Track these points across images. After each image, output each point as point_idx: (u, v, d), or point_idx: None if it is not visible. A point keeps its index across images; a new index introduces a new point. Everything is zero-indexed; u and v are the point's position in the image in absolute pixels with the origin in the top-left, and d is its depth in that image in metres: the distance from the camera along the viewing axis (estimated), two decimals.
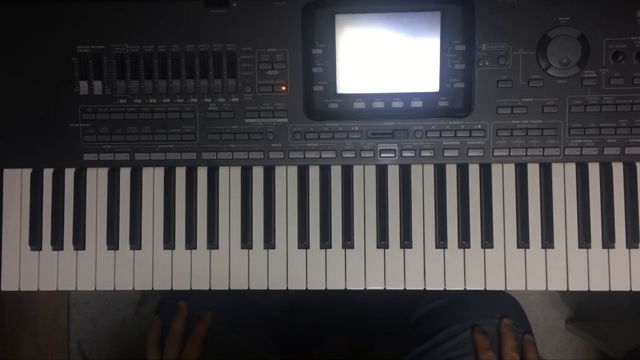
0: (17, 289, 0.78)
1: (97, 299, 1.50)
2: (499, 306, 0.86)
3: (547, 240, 0.75)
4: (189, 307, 0.88)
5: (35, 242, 0.78)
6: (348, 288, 0.76)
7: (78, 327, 1.51)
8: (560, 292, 1.47)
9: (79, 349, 1.51)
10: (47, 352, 1.42)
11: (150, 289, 0.77)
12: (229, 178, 0.77)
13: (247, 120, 0.76)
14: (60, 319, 1.46)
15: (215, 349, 0.87)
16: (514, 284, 0.75)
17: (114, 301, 1.51)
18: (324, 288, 0.76)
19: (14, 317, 1.33)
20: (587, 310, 1.47)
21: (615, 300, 1.46)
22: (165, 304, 0.91)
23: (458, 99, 0.75)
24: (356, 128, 0.76)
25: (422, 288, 0.76)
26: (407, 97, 0.75)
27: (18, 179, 0.78)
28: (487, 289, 0.75)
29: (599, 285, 0.75)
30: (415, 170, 0.76)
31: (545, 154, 0.74)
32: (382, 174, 0.76)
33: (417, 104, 0.75)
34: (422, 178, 0.76)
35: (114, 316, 1.51)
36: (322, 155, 0.76)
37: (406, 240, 0.76)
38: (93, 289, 0.77)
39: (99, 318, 1.51)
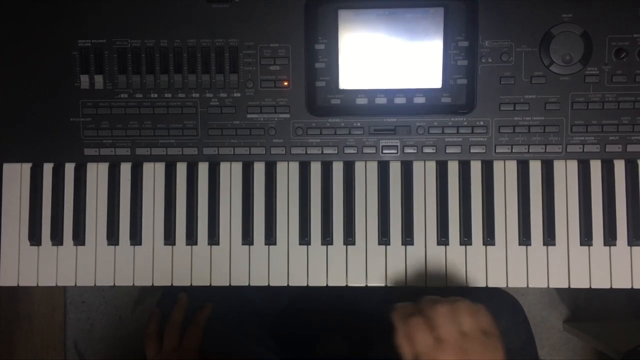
0: (16, 284, 0.77)
1: (93, 297, 1.49)
2: (499, 305, 0.85)
3: (549, 238, 0.75)
4: (189, 299, 0.88)
5: (34, 237, 0.77)
6: (349, 284, 0.76)
7: (74, 325, 1.50)
8: (559, 292, 1.47)
9: (75, 348, 1.50)
10: (43, 350, 1.41)
11: (150, 284, 0.77)
12: (230, 174, 0.77)
13: (248, 116, 0.76)
14: (56, 317, 1.45)
15: (214, 345, 0.87)
16: (516, 281, 0.75)
17: (111, 299, 1.50)
18: (324, 284, 0.76)
19: (10, 314, 1.32)
20: (585, 310, 1.47)
21: (613, 300, 1.46)
22: (167, 297, 0.91)
23: (461, 95, 0.75)
24: (358, 124, 0.75)
25: (423, 285, 0.75)
26: (409, 93, 0.75)
27: (18, 174, 0.78)
28: (489, 286, 0.75)
29: (600, 282, 0.75)
30: (417, 166, 0.76)
31: (547, 150, 0.74)
32: (384, 170, 0.76)
33: (419, 100, 0.75)
34: (424, 175, 0.76)
35: (110, 314, 1.50)
36: (324, 151, 0.76)
37: (408, 237, 0.75)
38: (93, 284, 0.77)
39: (96, 316, 1.50)
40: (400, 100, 0.75)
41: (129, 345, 1.50)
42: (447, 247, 0.76)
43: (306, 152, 0.76)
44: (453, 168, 0.76)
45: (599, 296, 1.45)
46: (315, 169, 0.77)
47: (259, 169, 0.77)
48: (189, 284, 0.77)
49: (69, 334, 1.49)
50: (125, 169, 0.77)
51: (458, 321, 0.62)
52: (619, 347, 1.23)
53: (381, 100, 0.75)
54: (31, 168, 0.78)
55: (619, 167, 0.75)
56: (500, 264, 0.75)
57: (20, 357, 1.34)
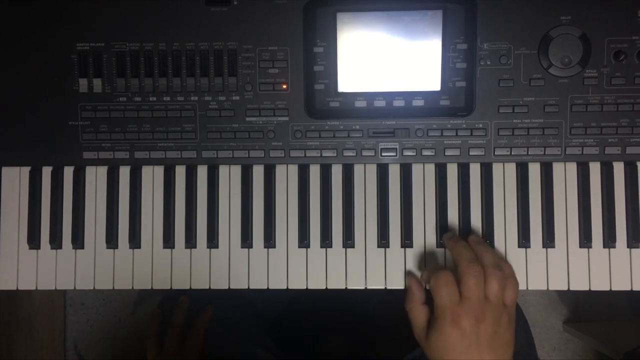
0: (15, 288, 0.77)
1: (93, 299, 1.50)
2: None
3: (548, 240, 0.75)
4: (190, 301, 0.88)
5: (33, 241, 0.77)
6: (348, 287, 0.76)
7: (74, 327, 1.50)
8: (559, 293, 1.47)
9: (75, 350, 1.50)
10: (43, 352, 1.41)
11: (149, 288, 0.77)
12: (229, 177, 0.77)
13: (247, 119, 0.76)
14: (56, 319, 1.45)
15: (214, 347, 0.87)
16: None
17: (110, 301, 1.50)
18: (324, 287, 0.76)
19: (10, 317, 1.32)
20: (585, 311, 1.47)
21: (613, 301, 1.47)
22: (168, 299, 0.91)
23: (459, 98, 0.75)
24: (357, 127, 0.75)
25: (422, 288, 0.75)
26: (408, 95, 0.75)
27: (17, 177, 0.78)
28: None
29: (600, 285, 0.75)
30: (416, 169, 0.76)
31: (546, 153, 0.74)
32: (383, 173, 0.76)
33: (418, 102, 0.75)
34: (423, 177, 0.76)
35: (110, 316, 1.50)
36: (323, 154, 0.76)
37: (407, 240, 0.75)
38: (92, 288, 0.77)
39: (96, 318, 1.50)
40: (399, 103, 0.75)
41: (128, 346, 1.50)
42: (447, 250, 0.75)
43: (305, 155, 0.76)
44: (452, 170, 0.76)
45: (599, 297, 1.46)
46: (315, 171, 0.77)
47: (258, 171, 0.77)
48: (188, 287, 0.77)
49: (68, 335, 1.50)
50: (124, 172, 0.77)
51: (485, 285, 0.67)
52: (619, 348, 1.23)
53: (380, 103, 0.75)
54: (30, 171, 0.77)
55: (618, 169, 0.75)
56: None
57: (20, 359, 1.34)
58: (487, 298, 0.67)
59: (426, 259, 0.76)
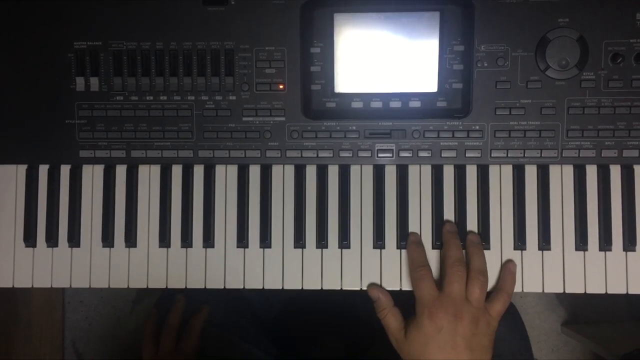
0: (11, 286, 0.77)
1: (92, 297, 1.50)
2: None
3: (544, 242, 0.74)
4: (187, 300, 0.88)
5: (29, 239, 0.77)
6: (344, 288, 0.76)
7: (73, 325, 1.50)
8: (557, 295, 1.47)
9: (73, 347, 1.50)
10: (42, 350, 1.41)
11: (145, 287, 0.77)
12: (226, 176, 0.77)
13: (244, 119, 0.76)
14: (55, 317, 1.45)
15: (211, 348, 0.87)
16: None
17: (109, 299, 1.50)
18: (319, 288, 0.76)
19: (8, 315, 1.32)
20: (584, 313, 1.47)
21: (611, 303, 1.46)
22: (165, 299, 0.91)
23: (456, 99, 0.75)
24: (354, 127, 0.75)
25: None
26: (405, 97, 0.75)
27: (13, 175, 0.78)
28: None
29: (596, 287, 0.75)
30: (413, 170, 0.76)
31: (543, 155, 0.74)
32: (379, 174, 0.76)
33: (415, 104, 0.75)
34: (420, 179, 0.76)
35: (109, 314, 1.50)
36: (319, 155, 0.76)
37: (403, 241, 0.75)
38: (88, 286, 0.77)
39: (94, 316, 1.50)
40: (395, 104, 0.75)
41: (127, 344, 1.50)
42: (442, 251, 0.75)
43: (301, 155, 0.76)
44: (448, 172, 0.76)
45: (598, 299, 1.45)
46: (311, 172, 0.76)
47: (255, 171, 0.77)
48: (184, 287, 0.77)
49: (67, 333, 1.50)
50: (121, 171, 0.77)
51: (467, 288, 0.70)
52: (617, 350, 1.23)
53: (377, 104, 0.75)
54: (27, 170, 0.78)
55: (615, 172, 0.74)
56: (495, 268, 0.75)
57: (18, 357, 1.34)
58: (468, 300, 0.69)
59: None
